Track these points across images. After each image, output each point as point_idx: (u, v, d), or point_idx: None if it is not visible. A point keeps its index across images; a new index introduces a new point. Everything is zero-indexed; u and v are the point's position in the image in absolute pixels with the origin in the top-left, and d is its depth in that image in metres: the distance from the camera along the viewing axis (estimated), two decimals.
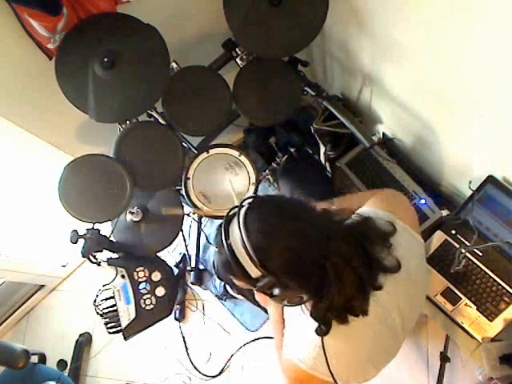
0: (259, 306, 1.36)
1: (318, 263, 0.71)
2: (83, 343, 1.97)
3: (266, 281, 0.70)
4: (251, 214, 0.72)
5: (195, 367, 1.83)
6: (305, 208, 0.78)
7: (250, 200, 0.77)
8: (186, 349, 1.86)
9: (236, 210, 0.75)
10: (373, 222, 0.81)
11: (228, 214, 0.78)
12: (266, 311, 1.39)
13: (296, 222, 0.73)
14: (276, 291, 0.72)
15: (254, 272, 0.70)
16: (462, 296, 1.23)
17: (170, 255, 1.96)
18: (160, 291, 1.28)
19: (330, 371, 0.75)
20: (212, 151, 1.27)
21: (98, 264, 1.27)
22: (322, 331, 0.74)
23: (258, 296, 0.88)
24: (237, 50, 1.30)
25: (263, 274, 0.69)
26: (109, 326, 1.28)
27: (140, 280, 1.28)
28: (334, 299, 0.72)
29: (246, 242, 0.68)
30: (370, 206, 0.90)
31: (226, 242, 0.72)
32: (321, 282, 0.71)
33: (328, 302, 0.72)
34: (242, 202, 0.77)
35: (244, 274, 0.71)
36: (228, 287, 1.62)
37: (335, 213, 0.81)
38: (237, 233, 0.70)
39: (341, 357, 0.76)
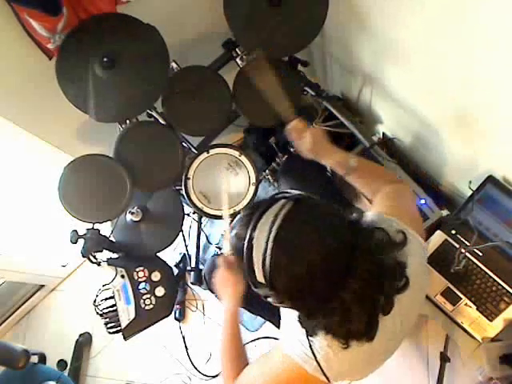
0: (252, 311, 1.35)
1: (325, 297, 0.67)
2: (83, 343, 1.97)
3: (265, 292, 0.68)
4: (290, 224, 0.64)
5: (195, 367, 1.83)
6: (340, 228, 0.69)
7: (299, 197, 0.69)
8: (186, 349, 1.86)
9: (282, 201, 0.67)
10: (387, 235, 0.74)
11: (274, 197, 0.70)
12: (260, 315, 1.38)
13: (324, 250, 0.64)
14: (269, 300, 0.70)
15: (259, 277, 0.66)
16: (462, 296, 1.23)
17: (170, 255, 1.96)
18: (160, 291, 1.28)
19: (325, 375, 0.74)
20: (212, 151, 1.27)
21: (98, 264, 1.27)
22: (310, 335, 0.73)
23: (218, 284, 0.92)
24: (237, 49, 1.30)
25: (266, 285, 0.66)
26: (109, 326, 1.28)
27: (140, 280, 1.28)
28: (333, 328, 0.70)
29: (268, 254, 0.63)
30: (380, 209, 0.86)
31: (250, 234, 0.65)
32: (319, 308, 0.69)
33: (323, 326, 0.70)
34: (290, 197, 0.68)
35: (250, 270, 0.67)
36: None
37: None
38: (265, 237, 0.64)
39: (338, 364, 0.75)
